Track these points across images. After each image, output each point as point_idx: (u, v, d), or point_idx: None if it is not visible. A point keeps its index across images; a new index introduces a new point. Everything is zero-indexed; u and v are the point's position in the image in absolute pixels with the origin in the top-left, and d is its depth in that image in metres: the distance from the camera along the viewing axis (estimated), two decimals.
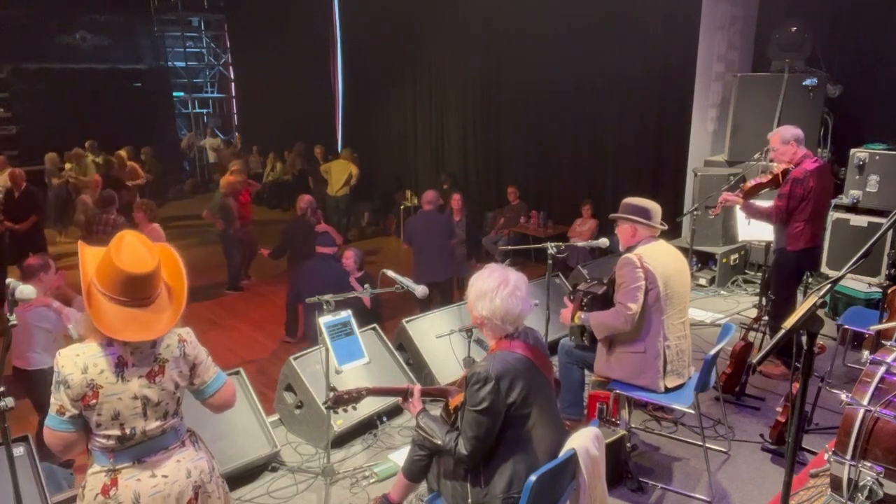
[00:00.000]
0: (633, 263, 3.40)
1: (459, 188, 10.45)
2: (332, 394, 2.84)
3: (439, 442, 2.50)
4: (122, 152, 11.91)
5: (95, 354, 2.09)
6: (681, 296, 3.50)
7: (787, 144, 4.50)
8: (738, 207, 4.91)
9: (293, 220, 7.79)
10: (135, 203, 7.58)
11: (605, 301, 3.61)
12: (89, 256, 2.15)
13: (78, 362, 2.07)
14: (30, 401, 4.61)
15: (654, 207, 3.53)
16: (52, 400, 2.09)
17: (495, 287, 2.44)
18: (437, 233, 6.97)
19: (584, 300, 3.67)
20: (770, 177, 4.58)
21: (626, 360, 3.52)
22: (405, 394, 2.77)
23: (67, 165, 11.62)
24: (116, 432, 2.12)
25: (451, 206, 8.31)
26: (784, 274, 4.67)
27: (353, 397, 2.81)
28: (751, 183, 4.67)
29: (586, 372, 3.95)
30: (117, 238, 2.12)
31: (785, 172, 4.51)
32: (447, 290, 6.89)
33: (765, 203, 4.64)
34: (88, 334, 2.13)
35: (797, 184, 4.40)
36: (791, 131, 4.53)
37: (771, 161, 4.86)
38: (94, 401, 2.07)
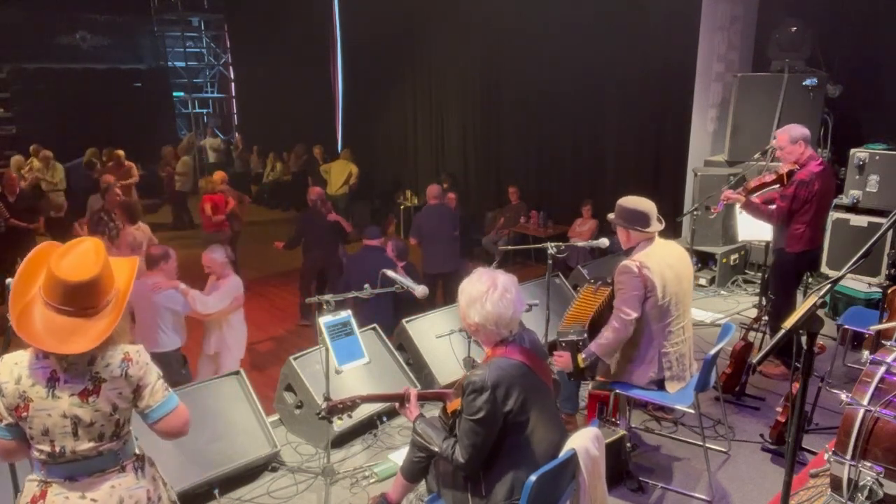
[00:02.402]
0: (631, 271, 3.34)
1: (459, 188, 10.47)
2: (325, 403, 2.82)
3: (437, 449, 2.49)
4: (119, 151, 11.90)
5: (30, 365, 2.02)
6: (680, 300, 3.45)
7: (795, 144, 4.45)
8: (738, 206, 4.88)
9: (305, 211, 8.00)
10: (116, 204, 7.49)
11: (594, 331, 3.49)
12: (44, 256, 2.05)
13: (14, 371, 2.01)
14: None
15: (649, 210, 3.44)
16: None
17: (485, 291, 2.40)
18: (445, 225, 7.18)
19: (580, 343, 3.43)
20: (775, 176, 4.54)
21: (624, 366, 3.51)
22: (401, 399, 2.73)
23: (25, 169, 11.29)
24: (47, 448, 2.04)
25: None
26: (782, 275, 4.65)
27: (348, 406, 2.79)
28: (754, 182, 4.64)
29: None
30: (72, 243, 2.05)
31: (790, 173, 4.46)
32: (456, 282, 6.99)
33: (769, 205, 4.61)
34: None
35: (802, 186, 4.36)
36: (799, 130, 4.48)
37: (774, 160, 4.84)
38: (25, 413, 2.00)
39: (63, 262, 1.98)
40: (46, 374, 2.01)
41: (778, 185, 4.56)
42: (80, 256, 2.01)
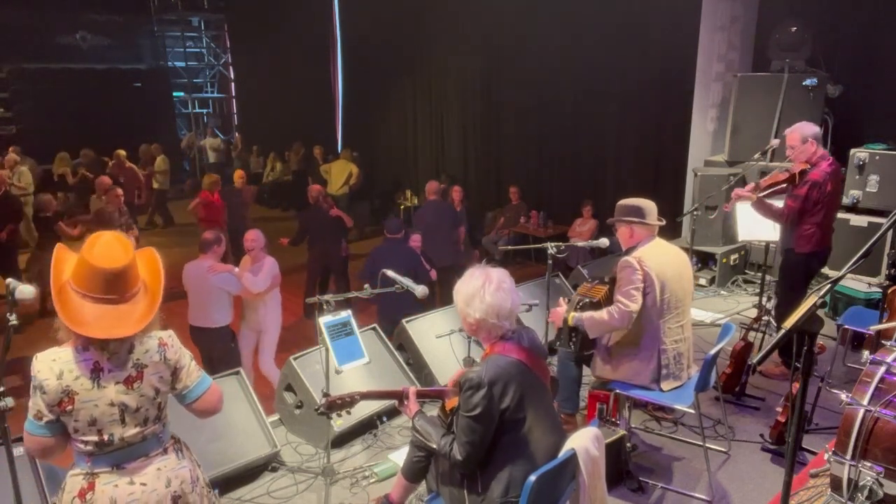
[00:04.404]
0: (631, 266, 3.39)
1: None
2: (324, 399, 2.82)
3: (435, 446, 2.49)
4: (121, 152, 11.94)
5: (71, 360, 2.05)
6: (679, 299, 3.48)
7: (805, 143, 4.39)
8: (749, 204, 4.77)
9: (307, 208, 8.17)
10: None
11: (599, 307, 3.58)
12: (63, 259, 2.13)
13: (54, 367, 2.03)
14: (202, 357, 5.22)
15: (648, 205, 3.52)
16: (30, 404, 2.05)
17: (480, 286, 2.43)
18: (444, 220, 7.37)
19: (579, 304, 3.63)
20: (787, 175, 4.48)
21: (623, 363, 3.52)
22: (400, 396, 2.74)
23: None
24: (94, 438, 2.08)
25: (451, 198, 8.67)
26: (791, 276, 4.56)
27: (347, 402, 2.79)
28: (766, 180, 4.58)
29: (584, 368, 3.95)
30: (94, 236, 2.11)
31: (802, 172, 4.41)
32: (452, 275, 7.09)
33: (776, 202, 4.56)
34: (66, 337, 2.09)
35: (815, 187, 4.31)
36: (810, 129, 4.42)
37: (774, 160, 4.79)
38: (70, 407, 2.03)
39: (95, 253, 2.05)
40: (90, 365, 2.06)
41: (788, 185, 4.50)
42: (107, 246, 2.08)
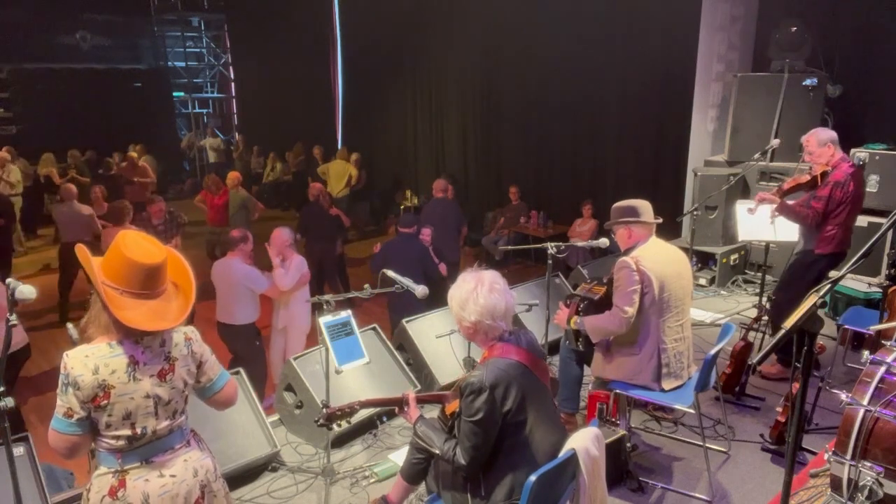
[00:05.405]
0: (629, 266, 3.39)
1: (459, 188, 10.47)
2: (324, 410, 2.82)
3: (438, 451, 2.49)
4: (133, 153, 11.94)
5: (105, 355, 2.07)
6: (679, 298, 3.48)
7: (823, 146, 4.40)
8: (772, 208, 4.70)
9: (307, 205, 8.21)
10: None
11: (600, 306, 3.60)
12: (93, 260, 2.16)
13: (88, 363, 2.05)
14: (230, 351, 5.42)
15: (642, 204, 3.54)
16: (59, 403, 2.06)
17: (473, 289, 2.44)
18: (449, 217, 7.42)
19: (581, 306, 3.65)
20: (808, 178, 4.48)
21: (623, 362, 3.52)
22: (400, 403, 2.74)
23: None
24: (127, 432, 2.11)
25: None
26: (804, 276, 4.50)
27: (346, 412, 2.80)
28: (789, 183, 4.58)
29: (586, 369, 3.95)
30: (121, 235, 2.13)
31: (824, 174, 4.41)
32: (455, 272, 7.17)
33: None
34: (98, 334, 2.12)
35: (838, 187, 4.31)
36: (827, 133, 4.44)
37: (799, 164, 4.73)
38: (105, 401, 2.06)
39: (132, 249, 2.08)
40: (126, 360, 2.10)
41: (810, 188, 4.49)
42: (138, 244, 2.12)
